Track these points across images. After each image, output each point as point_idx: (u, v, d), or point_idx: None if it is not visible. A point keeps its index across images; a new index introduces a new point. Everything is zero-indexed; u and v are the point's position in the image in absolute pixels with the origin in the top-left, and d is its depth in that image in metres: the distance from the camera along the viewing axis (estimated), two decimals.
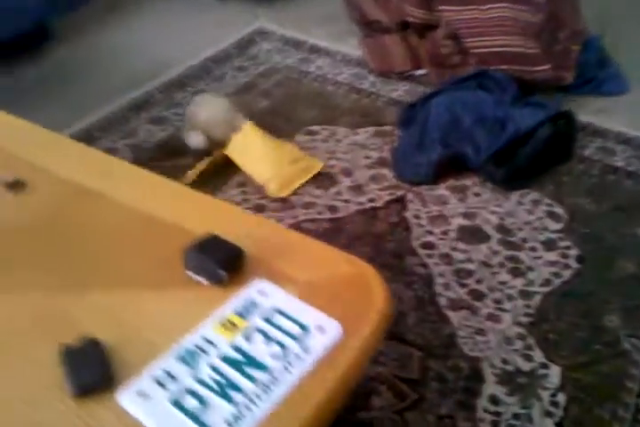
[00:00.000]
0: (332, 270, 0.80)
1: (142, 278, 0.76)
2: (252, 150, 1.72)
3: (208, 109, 1.78)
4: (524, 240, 1.54)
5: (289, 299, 0.73)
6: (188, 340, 0.67)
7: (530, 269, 1.46)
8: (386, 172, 1.76)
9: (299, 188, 1.69)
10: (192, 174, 1.66)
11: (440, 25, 2.15)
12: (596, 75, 2.15)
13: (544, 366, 1.25)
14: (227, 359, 0.65)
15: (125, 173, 0.92)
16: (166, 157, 1.80)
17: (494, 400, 1.18)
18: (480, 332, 1.31)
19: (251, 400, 0.61)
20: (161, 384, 0.62)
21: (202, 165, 1.69)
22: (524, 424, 1.14)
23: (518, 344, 1.29)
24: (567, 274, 1.45)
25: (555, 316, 1.35)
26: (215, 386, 0.62)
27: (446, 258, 1.49)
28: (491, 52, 2.02)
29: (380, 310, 0.76)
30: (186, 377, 0.63)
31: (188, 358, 0.65)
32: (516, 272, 1.45)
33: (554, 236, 1.56)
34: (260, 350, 0.66)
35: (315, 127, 1.92)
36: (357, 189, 1.69)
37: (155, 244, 0.80)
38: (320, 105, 2.04)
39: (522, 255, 1.50)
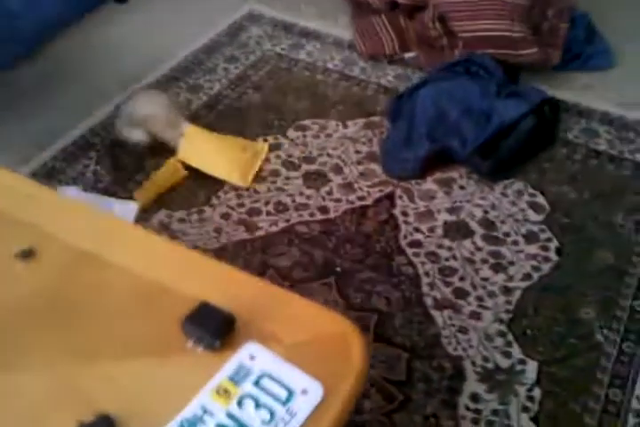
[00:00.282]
0: (315, 329, 0.85)
1: (145, 347, 0.81)
2: (204, 150, 1.75)
3: (149, 106, 1.78)
4: (507, 234, 1.58)
5: (276, 361, 0.78)
6: (188, 410, 0.73)
7: (511, 263, 1.51)
8: (375, 166, 1.78)
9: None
10: (146, 193, 1.68)
11: (427, 7, 2.12)
12: (583, 50, 2.12)
13: (522, 361, 1.32)
14: None
15: (128, 235, 0.95)
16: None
17: (475, 398, 1.26)
18: (463, 330, 1.38)
19: None
20: None
21: (155, 183, 1.71)
22: (502, 420, 1.23)
23: (498, 341, 1.36)
24: (547, 267, 1.50)
25: (533, 311, 1.41)
26: None
27: (432, 256, 1.53)
28: (477, 36, 1.99)
29: (358, 368, 0.81)
30: None
31: None
32: (498, 268, 1.50)
33: (535, 228, 1.60)
34: (251, 417, 0.72)
35: (306, 122, 1.93)
36: (348, 186, 1.72)
37: (155, 310, 0.85)
38: (310, 96, 2.04)
39: (504, 250, 1.54)
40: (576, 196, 1.68)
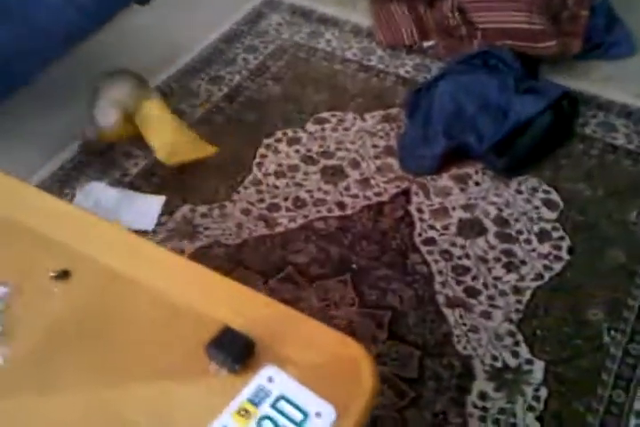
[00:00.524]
0: (328, 352, 0.88)
1: (171, 368, 0.85)
2: (153, 120, 1.75)
3: (119, 86, 1.76)
4: (520, 232, 1.58)
5: (293, 384, 0.81)
6: None
7: (523, 262, 1.52)
8: (392, 161, 1.78)
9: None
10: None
11: None
12: (604, 39, 2.06)
13: (529, 361, 1.35)
14: None
15: (156, 257, 0.98)
16: None
17: (483, 396, 1.30)
18: (473, 329, 1.40)
19: None
20: None
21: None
22: (508, 419, 1.26)
23: (508, 341, 1.38)
24: (558, 267, 1.51)
25: (543, 311, 1.43)
26: None
27: (446, 254, 1.55)
28: (495, 27, 1.94)
29: (369, 391, 0.84)
30: None
31: None
32: (510, 267, 1.51)
33: (548, 226, 1.59)
34: None
35: (324, 114, 1.92)
36: (365, 182, 1.73)
37: (180, 331, 0.88)
38: (329, 87, 2.02)
39: (516, 248, 1.55)
40: (591, 193, 1.67)
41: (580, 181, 1.70)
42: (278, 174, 1.76)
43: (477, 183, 1.71)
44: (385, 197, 1.69)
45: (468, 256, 1.54)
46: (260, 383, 0.82)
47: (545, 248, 1.54)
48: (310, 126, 1.89)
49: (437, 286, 1.48)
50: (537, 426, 1.26)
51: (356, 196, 1.70)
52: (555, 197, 1.66)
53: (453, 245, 1.57)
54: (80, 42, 1.55)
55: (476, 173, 1.73)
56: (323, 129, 1.88)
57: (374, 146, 1.83)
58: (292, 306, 1.44)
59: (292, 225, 1.63)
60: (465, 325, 1.41)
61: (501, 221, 1.61)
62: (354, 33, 2.23)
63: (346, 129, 1.88)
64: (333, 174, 1.75)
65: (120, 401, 0.82)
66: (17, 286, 0.93)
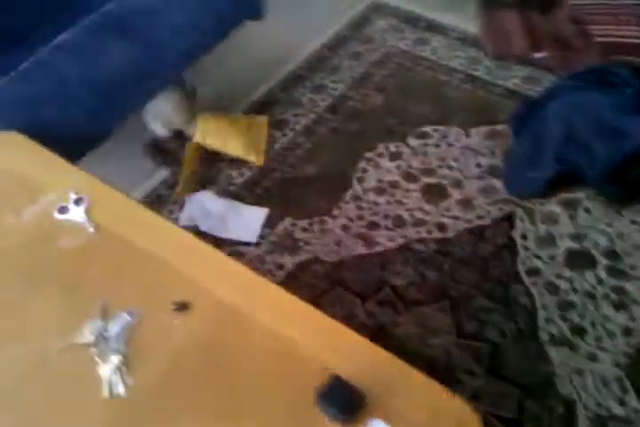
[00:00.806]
0: (434, 407, 0.84)
1: (281, 413, 0.84)
2: (217, 134, 1.78)
3: (166, 102, 1.76)
4: (633, 267, 1.46)
5: None
6: None
7: (635, 302, 1.40)
8: (496, 183, 1.68)
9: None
10: (181, 189, 1.74)
11: (563, 5, 1.91)
12: None
13: (637, 411, 1.25)
14: None
15: (270, 294, 0.96)
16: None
17: None
18: (578, 372, 1.31)
19: None
20: None
21: (185, 174, 1.76)
22: None
23: (615, 387, 1.28)
24: None
25: None
26: None
27: (551, 287, 1.45)
28: (616, 42, 1.78)
29: None
30: None
31: None
32: (620, 306, 1.40)
33: None
34: None
35: (427, 128, 1.84)
36: (466, 203, 1.65)
37: (291, 374, 0.87)
38: (433, 98, 1.93)
39: (628, 286, 1.43)
40: None
41: None
42: (378, 190, 1.71)
43: (587, 210, 1.58)
44: (487, 221, 1.60)
45: (574, 290, 1.44)
46: None
47: None
48: (412, 140, 1.82)
49: (541, 322, 1.39)
50: None
51: (456, 217, 1.62)
52: None
53: (559, 277, 1.47)
54: (195, 60, 1.54)
55: (587, 198, 1.61)
56: (425, 144, 1.81)
57: (478, 165, 1.73)
58: (388, 332, 1.41)
59: (391, 245, 1.58)
60: (569, 366, 1.32)
61: (612, 254, 1.49)
62: (461, 41, 2.11)
63: (449, 145, 1.80)
64: (434, 193, 1.68)
65: None
66: (140, 316, 0.95)
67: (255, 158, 1.81)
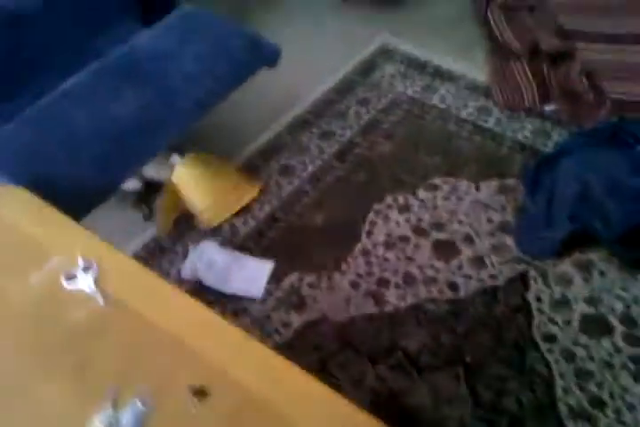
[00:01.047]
0: None
1: None
2: (191, 181, 1.69)
3: None
4: None
5: None
6: None
7: None
8: (508, 240, 1.65)
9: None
10: (164, 226, 1.70)
11: (576, 59, 1.91)
12: None
13: None
14: None
15: (294, 381, 0.91)
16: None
17: None
18: None
19: None
20: None
21: (163, 215, 1.71)
22: None
23: None
24: None
25: None
26: None
27: (567, 354, 1.41)
28: (631, 100, 1.78)
29: None
30: None
31: None
32: (639, 376, 1.37)
33: None
34: None
35: (436, 180, 1.81)
36: (478, 261, 1.61)
37: None
38: (442, 150, 1.90)
39: None
40: None
41: None
42: (388, 245, 1.66)
43: (602, 273, 1.56)
44: (500, 281, 1.57)
45: (592, 358, 1.40)
46: None
47: None
48: (422, 193, 1.79)
49: (559, 392, 1.35)
50: None
51: (469, 276, 1.58)
52: None
53: (576, 344, 1.43)
54: (210, 109, 1.50)
55: (601, 260, 1.58)
56: (434, 197, 1.78)
57: (489, 220, 1.70)
58: (401, 401, 1.35)
59: (402, 304, 1.53)
60: None
61: (629, 321, 1.46)
62: (470, 89, 2.10)
63: (459, 198, 1.77)
64: (445, 249, 1.65)
65: None
66: (155, 404, 0.88)
67: (206, 221, 1.71)
